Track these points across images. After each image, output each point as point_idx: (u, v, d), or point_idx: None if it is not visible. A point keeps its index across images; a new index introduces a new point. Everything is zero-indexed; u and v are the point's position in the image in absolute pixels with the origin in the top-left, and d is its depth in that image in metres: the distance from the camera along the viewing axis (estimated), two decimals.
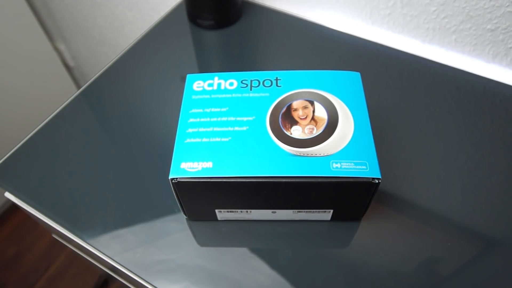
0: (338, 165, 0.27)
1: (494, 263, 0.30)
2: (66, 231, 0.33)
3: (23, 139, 0.39)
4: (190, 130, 0.29)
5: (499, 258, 0.30)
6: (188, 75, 0.33)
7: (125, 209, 0.34)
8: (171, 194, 0.34)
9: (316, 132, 0.28)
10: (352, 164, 0.27)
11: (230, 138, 0.28)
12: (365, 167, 0.27)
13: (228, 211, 0.31)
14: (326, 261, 0.30)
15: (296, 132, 0.28)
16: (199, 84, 0.32)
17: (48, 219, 0.34)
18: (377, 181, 0.26)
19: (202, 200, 0.29)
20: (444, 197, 0.34)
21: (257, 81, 0.32)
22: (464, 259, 0.30)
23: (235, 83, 0.32)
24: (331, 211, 0.30)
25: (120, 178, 0.36)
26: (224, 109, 0.30)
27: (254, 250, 0.31)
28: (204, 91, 0.32)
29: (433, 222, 0.32)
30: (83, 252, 0.42)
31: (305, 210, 0.30)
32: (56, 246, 1.06)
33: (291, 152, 0.27)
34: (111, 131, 0.39)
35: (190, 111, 0.30)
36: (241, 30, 0.49)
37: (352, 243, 0.31)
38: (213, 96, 0.31)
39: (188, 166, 0.27)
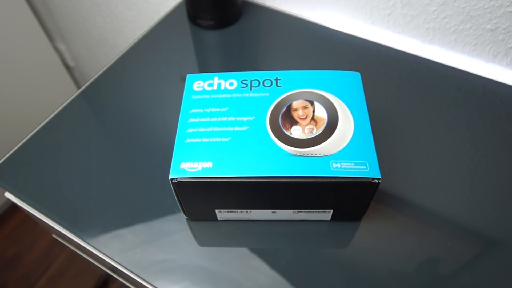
0: (338, 165, 0.27)
1: (494, 263, 0.30)
2: (66, 231, 0.33)
3: (23, 139, 0.39)
4: (190, 130, 0.29)
5: (499, 258, 0.30)
6: (188, 75, 0.33)
7: (125, 209, 0.34)
8: (171, 194, 0.34)
9: (316, 132, 0.28)
10: (352, 164, 0.27)
11: (230, 138, 0.28)
12: (365, 167, 0.27)
13: (228, 211, 0.31)
14: (326, 261, 0.30)
15: (296, 132, 0.28)
16: (199, 84, 0.32)
17: (48, 219, 0.34)
18: (377, 181, 0.26)
19: (202, 200, 0.29)
20: (444, 197, 0.34)
21: (257, 81, 0.32)
22: (464, 259, 0.30)
23: (235, 83, 0.32)
24: (331, 211, 0.30)
25: (120, 178, 0.36)
26: (224, 109, 0.30)
27: (254, 250, 0.31)
28: (204, 91, 0.32)
29: (433, 222, 0.32)
30: (83, 252, 0.42)
31: (305, 210, 0.30)
32: (56, 246, 1.06)
33: (291, 152, 0.27)
34: (111, 131, 0.39)
35: (190, 111, 0.30)
36: (241, 30, 0.49)
37: (352, 243, 0.31)
38: (213, 96, 0.31)
39: (188, 166, 0.27)
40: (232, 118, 0.30)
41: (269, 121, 0.29)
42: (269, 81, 0.32)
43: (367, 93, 0.42)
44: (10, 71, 0.89)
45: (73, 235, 0.33)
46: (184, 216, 0.33)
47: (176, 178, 0.27)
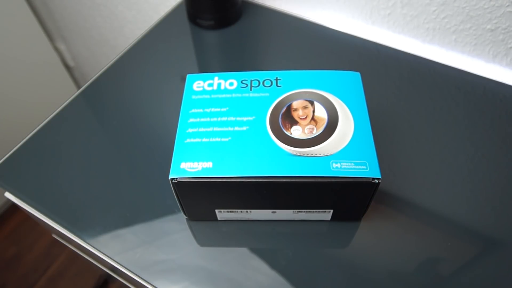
0: (338, 165, 0.27)
1: (494, 263, 0.30)
2: (66, 231, 0.33)
3: (23, 139, 0.39)
4: (190, 130, 0.29)
5: (499, 258, 0.30)
6: (188, 75, 0.33)
7: (125, 209, 0.34)
8: (171, 194, 0.34)
9: (316, 132, 0.28)
10: (352, 164, 0.27)
11: (230, 138, 0.28)
12: (365, 167, 0.27)
13: (228, 211, 0.31)
14: (326, 261, 0.30)
15: (296, 132, 0.28)
16: (199, 84, 0.32)
17: (48, 219, 0.34)
18: (377, 181, 0.26)
19: (202, 200, 0.29)
20: (444, 197, 0.34)
21: (257, 81, 0.32)
22: (464, 259, 0.30)
23: (235, 83, 0.32)
24: (331, 211, 0.30)
25: (120, 178, 0.36)
26: (224, 109, 0.30)
27: (254, 250, 0.31)
28: (204, 91, 0.32)
29: (433, 222, 0.32)
30: (83, 252, 0.42)
31: (305, 210, 0.30)
32: (56, 246, 1.06)
33: (291, 152, 0.27)
34: (111, 131, 0.39)
35: (190, 111, 0.30)
36: (241, 30, 0.49)
37: (352, 243, 0.31)
38: (213, 96, 0.31)
39: (188, 166, 0.27)
40: (232, 118, 0.30)
41: (269, 121, 0.29)
42: (269, 81, 0.32)
43: (367, 93, 0.42)
44: (10, 71, 0.89)
45: (73, 235, 0.33)
46: (184, 216, 0.33)
47: (176, 178, 0.27)
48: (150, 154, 0.37)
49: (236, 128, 0.29)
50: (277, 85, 0.31)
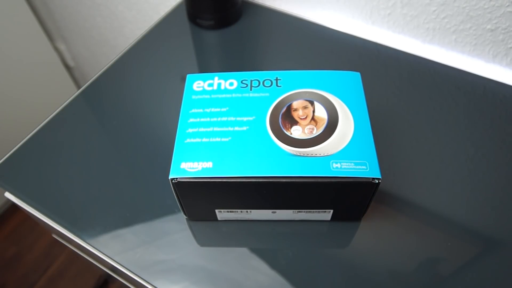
0: (338, 165, 0.27)
1: (494, 263, 0.30)
2: (66, 231, 0.33)
3: (23, 139, 0.39)
4: (190, 130, 0.29)
5: (499, 258, 0.30)
6: (188, 75, 0.33)
7: (125, 209, 0.34)
8: (171, 194, 0.34)
9: (316, 132, 0.28)
10: (352, 164, 0.27)
11: (230, 138, 0.28)
12: (365, 167, 0.27)
13: (228, 211, 0.31)
14: (326, 261, 0.30)
15: (296, 132, 0.28)
16: (199, 84, 0.32)
17: (48, 219, 0.34)
18: (377, 181, 0.26)
19: (202, 200, 0.29)
20: (444, 197, 0.34)
21: (257, 81, 0.32)
22: (464, 259, 0.30)
23: (235, 83, 0.32)
24: (331, 211, 0.30)
25: (120, 178, 0.36)
26: (224, 109, 0.30)
27: (254, 250, 0.31)
28: (204, 91, 0.32)
29: (433, 222, 0.32)
30: (83, 252, 0.42)
31: (305, 210, 0.30)
32: (56, 246, 1.06)
33: (291, 152, 0.27)
34: (111, 131, 0.39)
35: (190, 111, 0.30)
36: (241, 30, 0.49)
37: (352, 243, 0.31)
38: (213, 96, 0.31)
39: (188, 166, 0.27)
40: (232, 118, 0.30)
41: (269, 121, 0.29)
42: (269, 81, 0.32)
43: (367, 93, 0.42)
44: (10, 71, 0.89)
45: (73, 235, 0.33)
46: (184, 216, 0.33)
47: (176, 178, 0.27)
48: (150, 154, 0.37)
49: (236, 128, 0.29)
50: (277, 85, 0.31)
